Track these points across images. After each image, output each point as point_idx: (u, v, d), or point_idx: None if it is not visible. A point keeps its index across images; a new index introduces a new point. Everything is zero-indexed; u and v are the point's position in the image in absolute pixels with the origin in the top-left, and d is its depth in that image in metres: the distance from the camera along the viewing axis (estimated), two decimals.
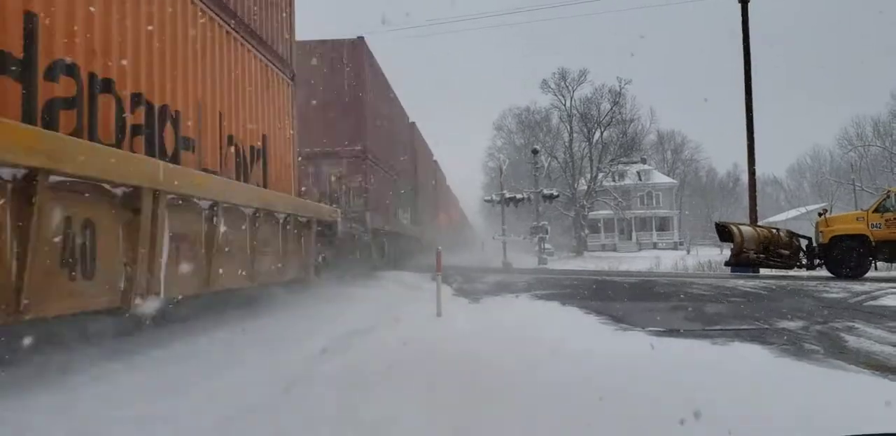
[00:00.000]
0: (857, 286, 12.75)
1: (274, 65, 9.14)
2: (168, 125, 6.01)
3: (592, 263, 40.14)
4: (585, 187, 61.41)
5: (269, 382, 4.60)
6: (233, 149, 7.49)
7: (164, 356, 5.37)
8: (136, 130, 5.45)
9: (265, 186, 8.53)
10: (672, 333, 7.02)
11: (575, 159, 63.08)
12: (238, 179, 7.60)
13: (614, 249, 64.12)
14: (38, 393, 4.04)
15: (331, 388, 4.45)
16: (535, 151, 40.91)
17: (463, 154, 78.74)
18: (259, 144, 8.40)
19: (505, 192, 37.68)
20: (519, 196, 37.21)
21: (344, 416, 3.83)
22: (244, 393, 4.28)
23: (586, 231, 62.45)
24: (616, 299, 11.10)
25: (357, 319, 7.87)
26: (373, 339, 6.55)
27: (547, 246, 39.42)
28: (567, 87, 63.67)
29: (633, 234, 70.20)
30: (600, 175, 61.58)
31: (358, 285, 12.47)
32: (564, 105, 64.29)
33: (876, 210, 16.26)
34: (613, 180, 63.91)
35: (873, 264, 16.74)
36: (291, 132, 9.85)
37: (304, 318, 8.07)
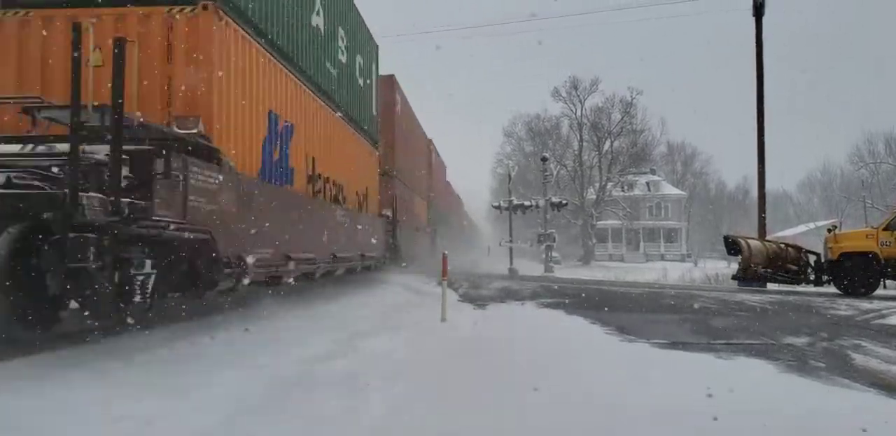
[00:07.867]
0: (864, 304, 12.66)
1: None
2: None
3: (599, 272, 39.99)
4: (594, 196, 61.26)
5: (272, 383, 4.59)
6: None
7: (167, 355, 5.37)
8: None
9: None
10: (676, 345, 6.98)
11: (584, 168, 62.97)
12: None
13: (621, 260, 63.84)
14: (41, 390, 4.04)
15: (331, 391, 4.43)
16: (544, 159, 40.85)
17: (473, 158, 78.77)
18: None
19: (513, 198, 37.62)
20: (527, 203, 37.11)
21: (345, 419, 3.82)
22: (246, 393, 4.28)
23: (594, 240, 62.29)
24: (622, 310, 11.06)
25: (362, 324, 7.86)
26: (375, 343, 6.53)
27: (554, 254, 39.26)
28: (578, 95, 63.66)
29: (641, 244, 69.95)
30: (609, 185, 61.43)
31: (367, 289, 12.47)
32: (575, 114, 64.27)
33: (886, 228, 16.13)
34: (622, 190, 63.73)
35: (882, 282, 16.61)
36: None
37: (310, 320, 8.07)
